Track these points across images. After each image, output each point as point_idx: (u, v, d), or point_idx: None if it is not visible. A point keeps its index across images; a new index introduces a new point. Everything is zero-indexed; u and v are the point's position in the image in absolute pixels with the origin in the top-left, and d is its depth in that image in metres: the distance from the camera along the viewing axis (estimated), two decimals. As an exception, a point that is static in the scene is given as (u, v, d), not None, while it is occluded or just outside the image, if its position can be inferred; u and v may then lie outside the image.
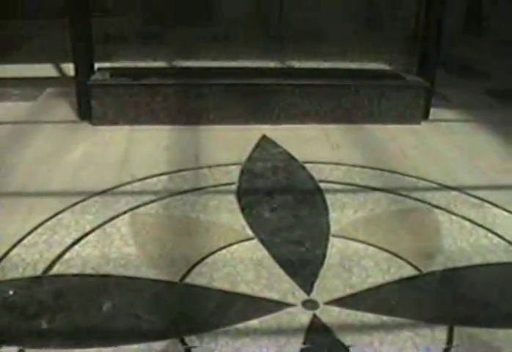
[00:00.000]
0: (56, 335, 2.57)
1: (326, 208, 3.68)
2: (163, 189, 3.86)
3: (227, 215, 3.57)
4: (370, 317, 2.73)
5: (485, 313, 2.80)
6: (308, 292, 2.89)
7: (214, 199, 3.75)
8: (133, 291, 2.88)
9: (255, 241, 3.30)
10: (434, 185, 4.04)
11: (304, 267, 3.08)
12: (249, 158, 4.33)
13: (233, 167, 4.18)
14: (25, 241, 3.22)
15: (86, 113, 4.96)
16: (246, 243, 3.28)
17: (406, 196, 3.86)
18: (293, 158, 4.37)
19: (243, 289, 2.89)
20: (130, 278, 2.95)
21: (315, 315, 2.73)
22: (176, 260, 3.10)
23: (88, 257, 3.10)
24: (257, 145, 4.56)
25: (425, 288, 2.99)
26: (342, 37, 6.74)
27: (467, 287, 2.99)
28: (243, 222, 3.49)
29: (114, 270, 3.00)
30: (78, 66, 4.86)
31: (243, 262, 3.10)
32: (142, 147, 4.52)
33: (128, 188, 3.87)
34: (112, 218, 3.48)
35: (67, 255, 3.11)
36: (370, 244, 3.30)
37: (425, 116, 5.26)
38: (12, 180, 3.93)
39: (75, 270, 2.99)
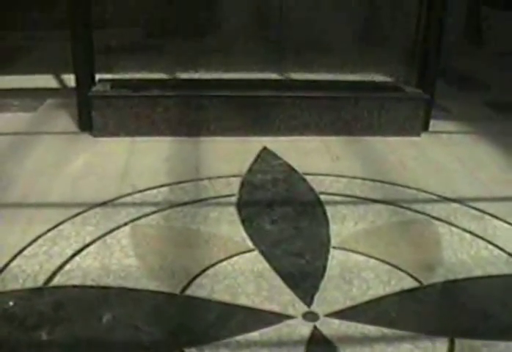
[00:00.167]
0: (56, 347, 2.57)
1: (326, 220, 3.68)
2: (164, 201, 3.86)
3: (228, 226, 3.57)
4: (370, 330, 2.72)
5: (486, 325, 2.79)
6: (308, 304, 2.88)
7: (215, 210, 3.75)
8: (134, 303, 2.87)
9: (256, 253, 3.30)
10: (434, 197, 4.04)
11: (304, 279, 3.08)
12: (250, 170, 4.34)
13: (234, 179, 4.18)
14: (25, 252, 3.22)
15: (86, 124, 4.96)
16: (247, 255, 3.28)
17: (406, 208, 3.86)
18: (293, 169, 4.37)
19: (243, 301, 2.89)
20: (130, 289, 2.95)
21: (315, 327, 2.72)
22: (176, 272, 3.09)
23: (88, 269, 3.09)
24: (258, 157, 4.57)
25: (426, 300, 2.98)
26: (341, 50, 6.75)
27: (468, 298, 2.99)
28: (244, 234, 3.49)
29: (115, 281, 3.00)
30: (78, 77, 4.87)
31: (243, 274, 3.10)
32: (143, 159, 4.52)
33: (129, 199, 3.87)
34: (113, 230, 3.48)
35: (67, 266, 3.11)
36: (370, 256, 3.30)
37: (425, 128, 5.26)
38: (12, 191, 3.93)
39: (75, 282, 2.99)
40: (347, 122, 5.11)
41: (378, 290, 3.00)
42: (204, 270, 3.11)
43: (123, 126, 4.92)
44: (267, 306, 2.86)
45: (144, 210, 3.71)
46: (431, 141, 5.11)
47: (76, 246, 3.30)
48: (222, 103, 4.99)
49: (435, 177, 4.37)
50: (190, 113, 4.97)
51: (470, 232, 3.59)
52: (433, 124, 5.31)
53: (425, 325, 2.77)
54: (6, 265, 3.10)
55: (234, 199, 3.92)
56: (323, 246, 3.39)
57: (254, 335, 2.66)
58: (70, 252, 3.24)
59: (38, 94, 5.89)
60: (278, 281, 3.05)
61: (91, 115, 4.88)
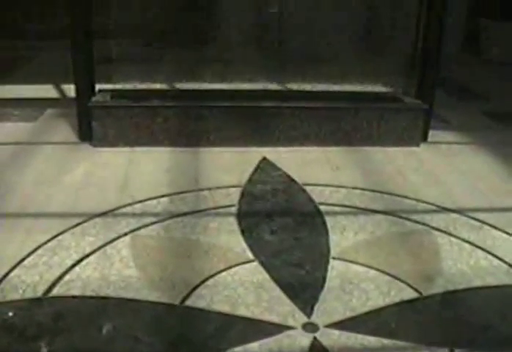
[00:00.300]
0: (56, 357, 2.57)
1: (326, 231, 3.68)
2: (164, 211, 3.86)
3: (227, 237, 3.57)
4: (370, 340, 2.72)
5: (486, 336, 2.79)
6: (308, 315, 2.88)
7: (214, 221, 3.76)
8: (133, 313, 2.87)
9: (255, 264, 3.30)
10: (434, 208, 4.04)
11: (304, 289, 3.08)
12: (249, 181, 4.34)
13: (233, 189, 4.19)
14: (25, 262, 3.21)
15: (86, 134, 4.97)
16: (247, 266, 3.28)
17: (405, 218, 3.86)
18: (293, 180, 4.37)
19: (243, 311, 2.89)
20: (130, 300, 2.95)
21: (315, 338, 2.72)
22: (176, 283, 3.09)
23: (88, 279, 3.09)
24: (257, 167, 4.57)
25: (426, 311, 2.98)
26: (340, 61, 6.76)
27: (467, 309, 2.98)
28: (244, 244, 3.49)
29: (114, 292, 3.00)
30: (79, 87, 4.88)
31: (243, 285, 3.09)
32: (143, 169, 4.53)
33: (129, 209, 3.87)
34: (113, 240, 3.48)
35: (67, 277, 3.11)
36: (370, 267, 3.30)
37: (424, 138, 5.27)
38: (11, 201, 3.93)
39: (75, 292, 2.98)
40: (346, 133, 5.12)
41: (377, 301, 3.00)
42: (203, 281, 3.11)
43: (123, 136, 4.93)
44: (267, 316, 2.86)
45: (144, 221, 3.71)
46: (430, 152, 5.12)
47: (76, 257, 3.29)
48: (222, 114, 5.00)
49: (434, 187, 4.38)
50: (190, 123, 4.98)
51: (469, 243, 3.59)
52: (433, 134, 5.31)
53: (425, 336, 2.77)
54: (6, 275, 3.09)
55: (234, 209, 3.92)
56: (322, 257, 3.39)
57: (254, 346, 2.66)
58: (69, 262, 3.24)
59: (38, 104, 5.90)
60: (278, 292, 3.04)
61: (91, 125, 4.89)
